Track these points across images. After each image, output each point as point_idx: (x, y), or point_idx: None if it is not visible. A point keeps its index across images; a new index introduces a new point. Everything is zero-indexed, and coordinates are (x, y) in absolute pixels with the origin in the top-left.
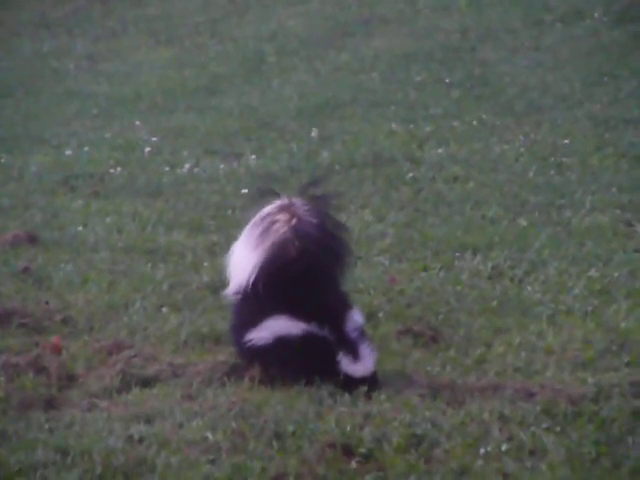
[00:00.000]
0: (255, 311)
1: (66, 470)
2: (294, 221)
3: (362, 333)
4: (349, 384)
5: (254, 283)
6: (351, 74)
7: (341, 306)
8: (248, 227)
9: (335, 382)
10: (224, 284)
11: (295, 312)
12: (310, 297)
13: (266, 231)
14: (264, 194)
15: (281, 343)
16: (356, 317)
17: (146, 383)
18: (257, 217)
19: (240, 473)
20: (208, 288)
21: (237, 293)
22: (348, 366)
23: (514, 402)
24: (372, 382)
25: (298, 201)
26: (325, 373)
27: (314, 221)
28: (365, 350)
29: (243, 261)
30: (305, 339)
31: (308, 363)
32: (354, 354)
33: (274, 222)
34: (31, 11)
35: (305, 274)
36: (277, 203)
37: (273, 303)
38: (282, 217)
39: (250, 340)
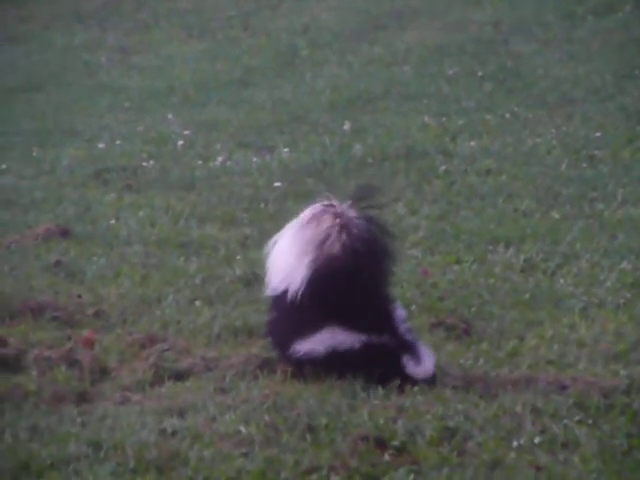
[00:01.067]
0: (303, 321)
1: (99, 464)
2: (344, 236)
3: (412, 331)
4: (410, 384)
5: (301, 295)
6: (384, 67)
7: (389, 306)
8: (295, 227)
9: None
10: (257, 277)
11: (349, 323)
12: (361, 307)
13: (316, 244)
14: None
15: (340, 356)
16: (400, 312)
17: (179, 376)
18: (305, 218)
19: (273, 466)
20: (241, 281)
21: (277, 297)
22: (412, 368)
23: (547, 395)
24: (431, 382)
25: (350, 210)
26: (390, 376)
27: (364, 234)
28: (424, 351)
29: (286, 265)
30: (367, 350)
31: (372, 372)
32: (416, 357)
33: (326, 236)
34: (63, 4)
35: (354, 287)
36: (329, 207)
37: (322, 314)
38: (334, 230)
39: (300, 352)
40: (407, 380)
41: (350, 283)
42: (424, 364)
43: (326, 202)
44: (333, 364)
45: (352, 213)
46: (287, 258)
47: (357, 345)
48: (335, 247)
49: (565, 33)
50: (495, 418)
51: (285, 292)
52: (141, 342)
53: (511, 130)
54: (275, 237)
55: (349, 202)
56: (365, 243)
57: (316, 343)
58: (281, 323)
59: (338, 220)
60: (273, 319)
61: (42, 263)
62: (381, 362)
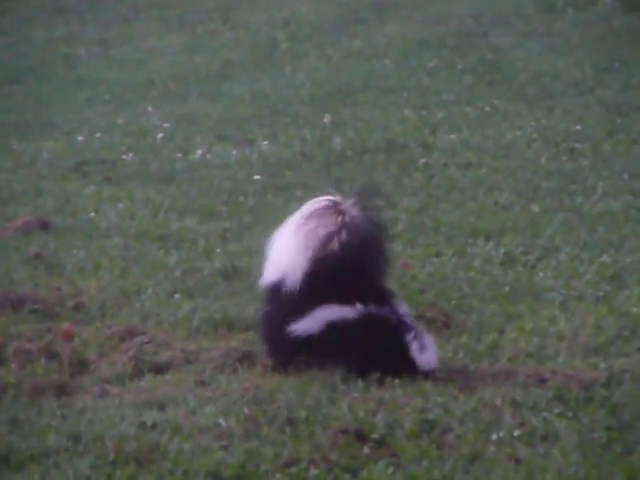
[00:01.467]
0: (298, 309)
1: (78, 456)
2: (344, 235)
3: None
4: (414, 373)
5: (299, 287)
6: (363, 60)
7: (388, 294)
8: (297, 222)
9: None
10: (237, 270)
11: (346, 300)
12: (359, 290)
13: (315, 237)
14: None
15: (337, 330)
16: (404, 307)
17: (159, 369)
18: (307, 213)
19: (253, 459)
20: (221, 274)
21: (272, 288)
22: (417, 354)
23: (526, 388)
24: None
25: (347, 202)
26: (392, 357)
27: (364, 234)
28: (428, 341)
29: (285, 257)
30: (364, 321)
31: (371, 346)
32: (421, 342)
33: (324, 229)
34: None
35: (351, 281)
36: (326, 202)
37: (322, 296)
38: (333, 227)
39: (296, 331)
40: (412, 367)
41: (347, 278)
42: (428, 353)
43: (329, 197)
44: (330, 339)
45: (355, 211)
46: (287, 251)
47: (352, 315)
48: (334, 245)
49: (545, 26)
50: (474, 411)
51: (280, 283)
52: (121, 335)
53: (491, 123)
54: (276, 231)
55: (353, 200)
56: (365, 243)
57: (311, 320)
58: (276, 313)
59: (340, 218)
60: (268, 310)
61: (22, 256)
62: (380, 337)
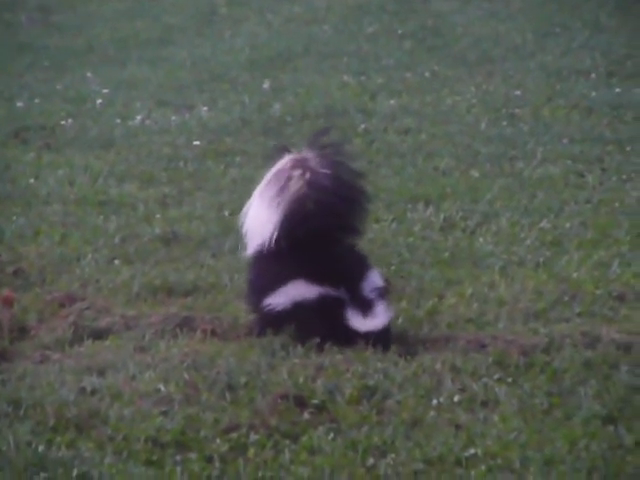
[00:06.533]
0: (274, 274)
1: (19, 422)
2: (308, 175)
3: (379, 293)
4: (356, 338)
5: (275, 242)
6: (303, 25)
7: (359, 266)
8: (262, 186)
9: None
10: (176, 236)
11: (312, 275)
12: (329, 255)
13: (281, 189)
14: (276, 151)
15: (298, 308)
16: (374, 278)
17: (98, 335)
18: (269, 175)
19: (193, 425)
20: (160, 240)
21: (256, 254)
22: (357, 321)
23: (466, 353)
24: (382, 338)
25: (309, 154)
26: (338, 334)
27: (328, 172)
28: (378, 307)
29: (260, 221)
30: (320, 302)
31: (322, 325)
32: (365, 310)
33: (288, 179)
34: None
35: (324, 228)
36: (288, 158)
37: (292, 264)
38: (295, 173)
39: (269, 305)
40: (353, 334)
41: (318, 226)
42: (374, 317)
43: (292, 156)
44: (297, 317)
45: (315, 159)
46: (257, 214)
47: (312, 296)
48: (300, 187)
49: None
50: (414, 377)
51: (256, 250)
52: (60, 301)
53: (431, 89)
54: (248, 201)
55: (308, 146)
56: (330, 178)
57: (282, 296)
58: (256, 279)
59: (299, 163)
60: (249, 279)
61: None
62: (330, 315)
